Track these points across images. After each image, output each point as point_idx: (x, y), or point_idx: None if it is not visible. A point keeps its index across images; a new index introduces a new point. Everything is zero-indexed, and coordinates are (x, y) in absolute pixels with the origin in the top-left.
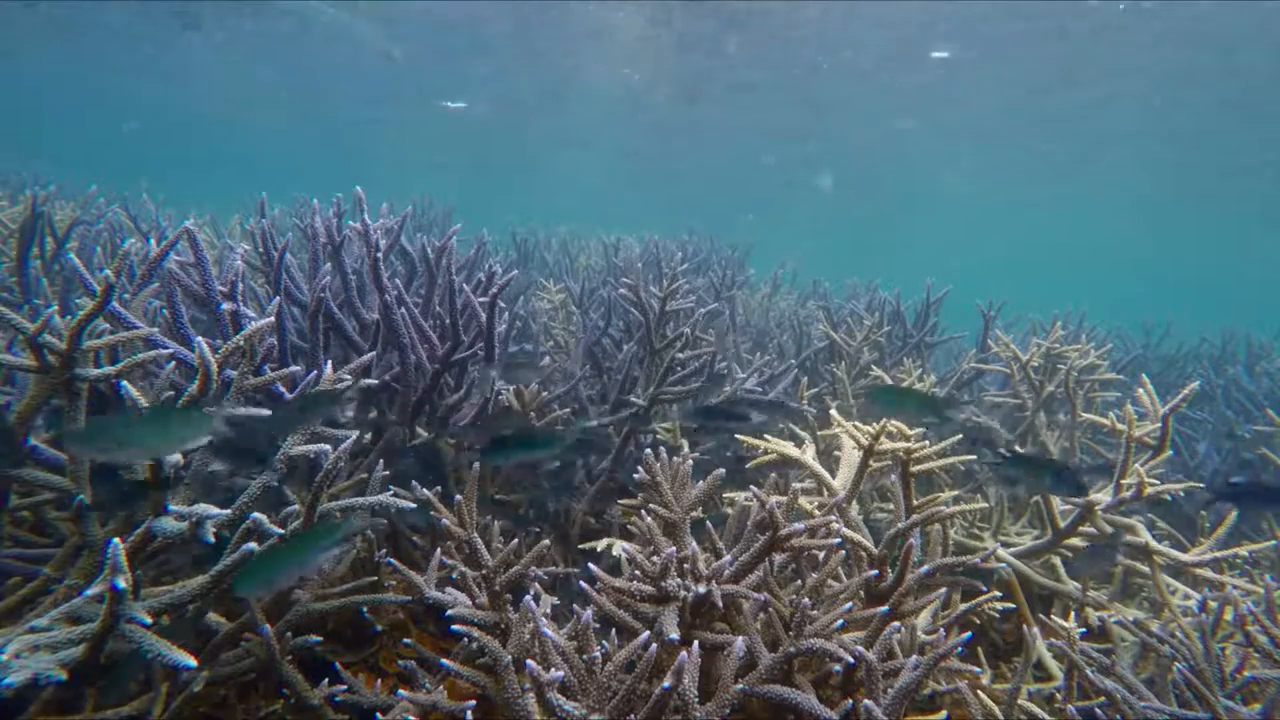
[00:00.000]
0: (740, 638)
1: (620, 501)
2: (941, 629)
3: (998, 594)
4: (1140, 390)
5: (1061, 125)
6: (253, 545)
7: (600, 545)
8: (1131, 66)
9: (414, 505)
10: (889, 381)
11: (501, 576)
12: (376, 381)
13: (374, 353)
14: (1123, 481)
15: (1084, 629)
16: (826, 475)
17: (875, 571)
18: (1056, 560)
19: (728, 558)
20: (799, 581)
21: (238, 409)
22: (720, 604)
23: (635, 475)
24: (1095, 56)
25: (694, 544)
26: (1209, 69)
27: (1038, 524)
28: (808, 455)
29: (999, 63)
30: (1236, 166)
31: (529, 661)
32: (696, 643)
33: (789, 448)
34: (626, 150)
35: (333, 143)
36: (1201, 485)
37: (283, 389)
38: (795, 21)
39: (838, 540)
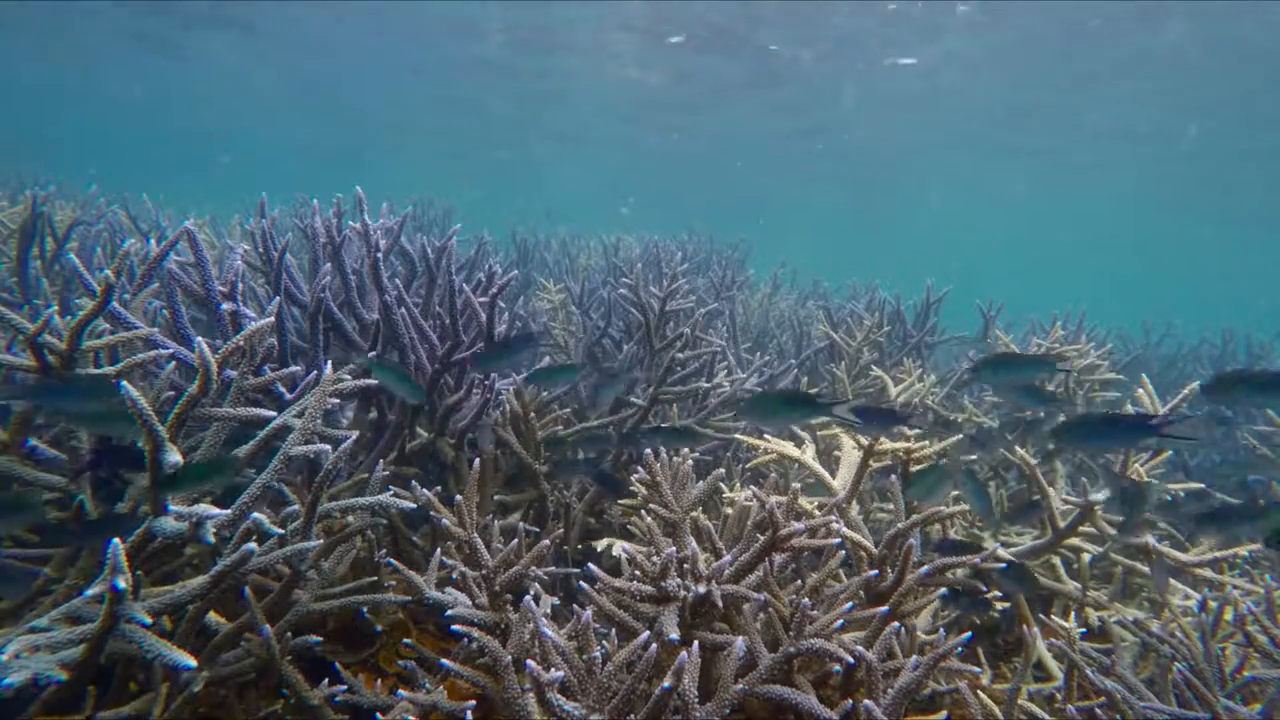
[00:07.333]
0: (740, 638)
1: (620, 502)
2: (941, 629)
3: (998, 594)
4: (1140, 390)
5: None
6: (253, 546)
7: (600, 545)
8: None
9: (414, 505)
10: (889, 381)
11: (501, 576)
12: (377, 381)
13: (374, 353)
14: None
15: (1084, 629)
16: (826, 475)
17: (875, 571)
18: (1056, 560)
19: (728, 558)
20: (799, 581)
21: None
22: (720, 604)
23: (635, 476)
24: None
25: (694, 544)
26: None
27: (1037, 523)
28: (808, 455)
29: (998, 64)
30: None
31: (529, 661)
32: (696, 643)
33: (789, 447)
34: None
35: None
36: (1201, 485)
37: (283, 389)
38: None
39: (838, 540)
